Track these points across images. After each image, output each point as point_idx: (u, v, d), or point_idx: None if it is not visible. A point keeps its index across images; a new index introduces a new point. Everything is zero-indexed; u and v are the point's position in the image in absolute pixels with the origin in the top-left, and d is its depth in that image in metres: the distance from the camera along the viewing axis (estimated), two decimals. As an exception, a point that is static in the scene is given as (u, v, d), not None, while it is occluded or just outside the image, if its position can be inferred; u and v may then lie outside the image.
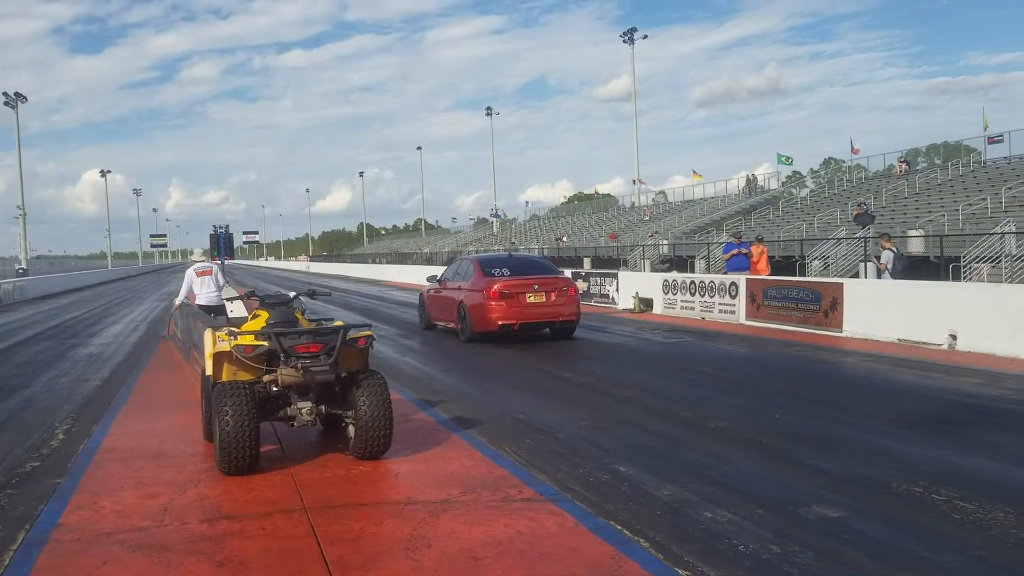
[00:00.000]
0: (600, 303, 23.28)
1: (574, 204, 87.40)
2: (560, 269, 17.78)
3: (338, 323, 7.40)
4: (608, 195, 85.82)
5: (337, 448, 7.20)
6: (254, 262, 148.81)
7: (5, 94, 60.48)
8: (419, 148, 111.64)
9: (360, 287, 39.30)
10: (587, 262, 41.81)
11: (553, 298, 14.78)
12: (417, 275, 41.28)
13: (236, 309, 18.18)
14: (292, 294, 7.86)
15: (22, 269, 60.94)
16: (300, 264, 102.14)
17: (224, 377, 6.99)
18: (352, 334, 6.83)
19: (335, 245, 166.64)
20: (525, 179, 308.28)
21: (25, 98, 61.92)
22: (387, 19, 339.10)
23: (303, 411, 6.67)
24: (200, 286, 14.39)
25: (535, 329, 15.22)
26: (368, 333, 6.97)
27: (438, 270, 24.47)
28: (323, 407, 6.77)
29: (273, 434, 7.42)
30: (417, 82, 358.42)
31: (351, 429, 6.85)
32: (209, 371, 7.10)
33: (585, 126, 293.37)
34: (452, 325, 15.87)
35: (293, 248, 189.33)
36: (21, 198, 64.78)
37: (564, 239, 58.89)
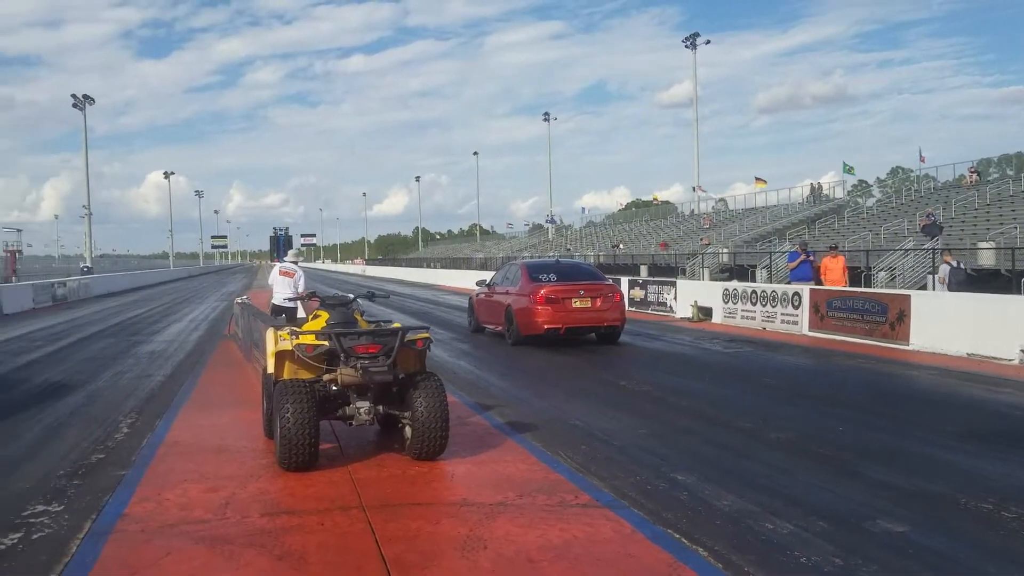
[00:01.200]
0: (657, 311, 23.07)
1: (631, 211, 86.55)
2: (606, 276, 17.75)
3: (396, 325, 7.45)
4: (667, 202, 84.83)
5: (393, 448, 7.23)
6: (311, 264, 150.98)
7: (74, 96, 62.20)
8: (475, 153, 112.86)
9: (415, 291, 39.59)
10: (644, 270, 41.51)
11: (599, 303, 15.02)
12: (470, 280, 41.38)
13: (301, 311, 18.51)
14: (352, 296, 7.94)
15: (87, 267, 62.68)
16: (356, 267, 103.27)
17: (285, 375, 7.08)
18: (410, 336, 6.87)
19: (391, 249, 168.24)
20: (582, 185, 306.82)
21: (93, 100, 63.51)
22: (448, 24, 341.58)
23: (361, 411, 6.73)
24: (279, 285, 14.57)
25: (580, 333, 15.45)
26: (426, 335, 7.01)
27: (488, 275, 24.60)
28: (381, 407, 6.82)
29: (331, 432, 7.48)
30: (475, 87, 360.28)
31: (408, 430, 6.89)
32: (271, 369, 7.20)
33: (645, 132, 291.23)
34: (500, 328, 16.21)
35: (349, 251, 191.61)
36: (87, 198, 66.57)
37: (621, 246, 58.54)
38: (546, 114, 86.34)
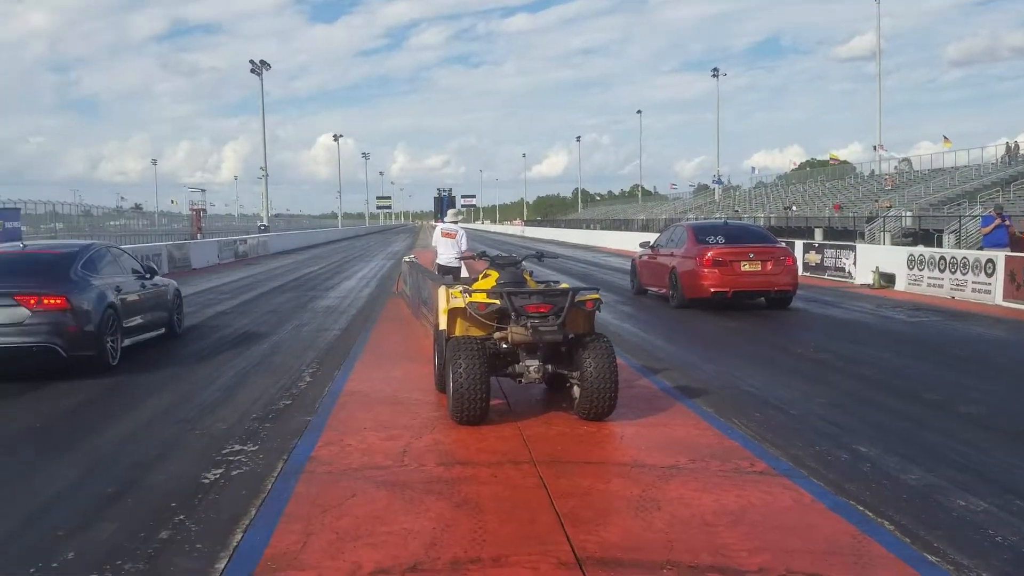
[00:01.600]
0: (834, 277, 22.06)
1: (805, 171, 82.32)
2: (778, 239, 17.03)
3: (564, 285, 7.46)
4: (845, 162, 79.77)
5: (561, 407, 7.28)
6: (470, 225, 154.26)
7: (252, 62, 65.12)
8: (639, 112, 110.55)
9: (575, 252, 39.63)
10: (818, 233, 39.68)
11: (769, 267, 14.56)
12: (632, 242, 41.01)
13: (464, 271, 18.91)
14: (521, 256, 8.00)
15: (263, 226, 66.51)
16: (515, 228, 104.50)
17: (457, 332, 7.24)
18: (580, 297, 6.85)
19: (549, 210, 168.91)
20: (751, 144, 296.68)
21: (269, 66, 66.23)
22: None
23: (531, 369, 6.79)
24: (442, 246, 14.93)
25: (749, 298, 15.04)
26: (596, 296, 6.97)
27: (651, 237, 24.20)
28: (549, 366, 6.87)
29: (499, 389, 7.61)
30: (640, 44, 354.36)
31: (576, 389, 6.90)
32: (443, 326, 7.39)
33: (820, 87, 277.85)
34: (663, 291, 15.93)
35: (508, 212, 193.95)
36: (264, 160, 70.10)
37: (794, 208, 56.17)
38: (715, 70, 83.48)
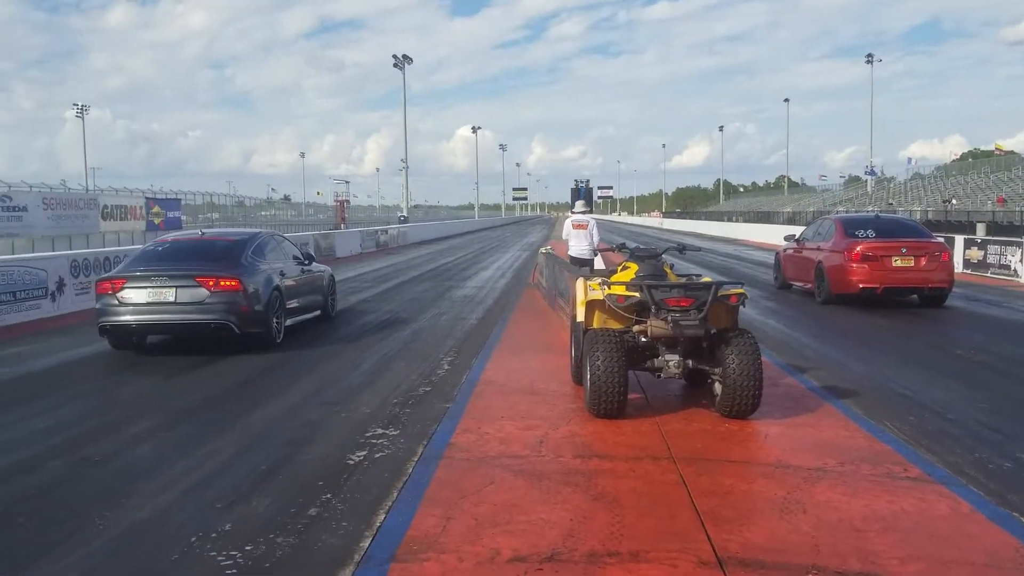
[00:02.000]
0: (998, 275, 20.65)
1: (967, 162, 76.87)
2: (934, 234, 16.07)
3: (706, 279, 7.28)
4: (1011, 152, 73.87)
5: (700, 403, 7.12)
6: (607, 216, 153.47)
7: (394, 56, 66.86)
8: (786, 100, 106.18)
9: (716, 245, 38.70)
10: (981, 228, 37.20)
11: (923, 263, 13.94)
12: (775, 235, 39.69)
13: (597, 262, 18.83)
14: (662, 249, 7.87)
15: (403, 217, 68.34)
16: (653, 220, 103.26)
17: (595, 324, 7.20)
18: (724, 291, 6.67)
19: (689, 202, 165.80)
20: (907, 133, 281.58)
21: (411, 60, 67.85)
22: None
23: (670, 364, 6.67)
24: (574, 238, 14.97)
25: (900, 295, 14.40)
26: (740, 291, 6.76)
27: (795, 230, 23.36)
28: (690, 361, 6.72)
29: (636, 383, 7.51)
30: (789, 29, 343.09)
31: (717, 386, 6.73)
32: (581, 318, 7.36)
33: (986, 73, 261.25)
34: (808, 286, 15.49)
35: (645, 204, 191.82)
36: (405, 152, 71.83)
37: (954, 201, 52.86)
38: (869, 55, 79.17)
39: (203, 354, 9.83)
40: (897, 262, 13.93)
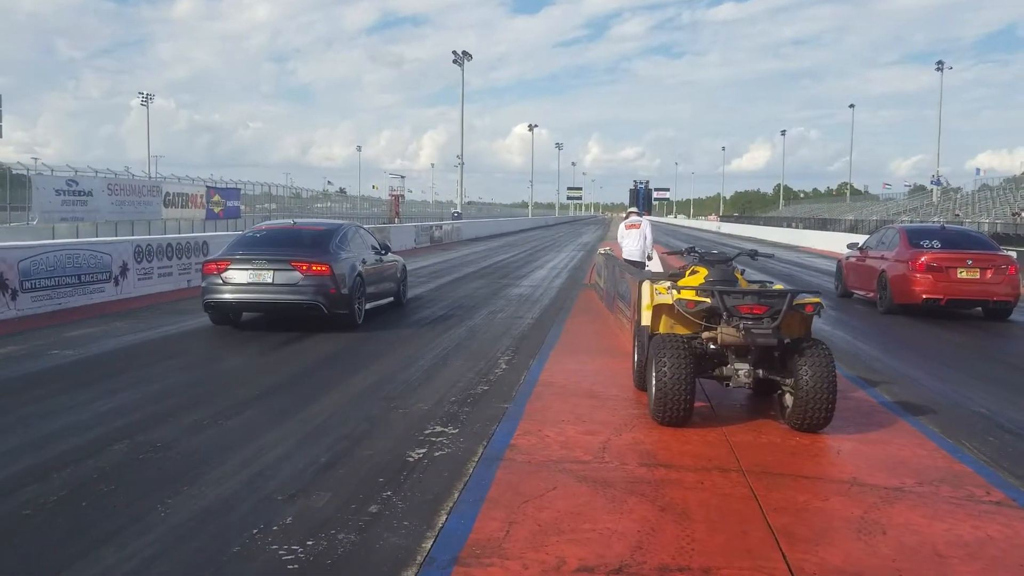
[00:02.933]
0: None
1: (1039, 174, 74.67)
2: (1001, 247, 15.62)
3: (778, 287, 7.05)
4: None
5: (768, 414, 6.90)
6: (663, 219, 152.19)
7: (454, 52, 66.42)
8: (852, 106, 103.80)
9: (776, 251, 37.84)
10: (1052, 242, 35.90)
11: (989, 275, 13.76)
12: (837, 243, 38.70)
13: (653, 264, 18.59)
14: (732, 254, 7.65)
15: (457, 213, 68.48)
16: (710, 224, 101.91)
17: (661, 329, 7.03)
18: (799, 300, 6.43)
19: (747, 206, 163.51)
20: (976, 143, 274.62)
21: (470, 56, 67.25)
22: None
23: (740, 373, 6.46)
24: (627, 240, 14.85)
25: (964, 307, 14.24)
26: (816, 300, 6.51)
27: (859, 238, 22.88)
28: (760, 371, 6.51)
29: (702, 392, 7.31)
30: (858, 34, 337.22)
31: (788, 398, 6.51)
32: (646, 322, 7.19)
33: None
34: (870, 295, 15.35)
35: (702, 207, 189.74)
36: (461, 148, 71.83)
37: (1021, 214, 51.20)
38: (939, 63, 77.11)
39: (257, 345, 9.95)
40: (962, 274, 13.75)
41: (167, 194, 43.09)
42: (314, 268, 10.96)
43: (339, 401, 7.32)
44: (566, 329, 12.02)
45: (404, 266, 14.67)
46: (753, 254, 8.35)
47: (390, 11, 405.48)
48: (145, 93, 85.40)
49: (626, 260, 14.50)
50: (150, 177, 43.55)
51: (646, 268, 16.94)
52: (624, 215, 16.79)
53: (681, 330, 6.90)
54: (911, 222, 46.63)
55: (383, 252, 13.33)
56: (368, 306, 12.23)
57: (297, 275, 10.92)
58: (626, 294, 11.24)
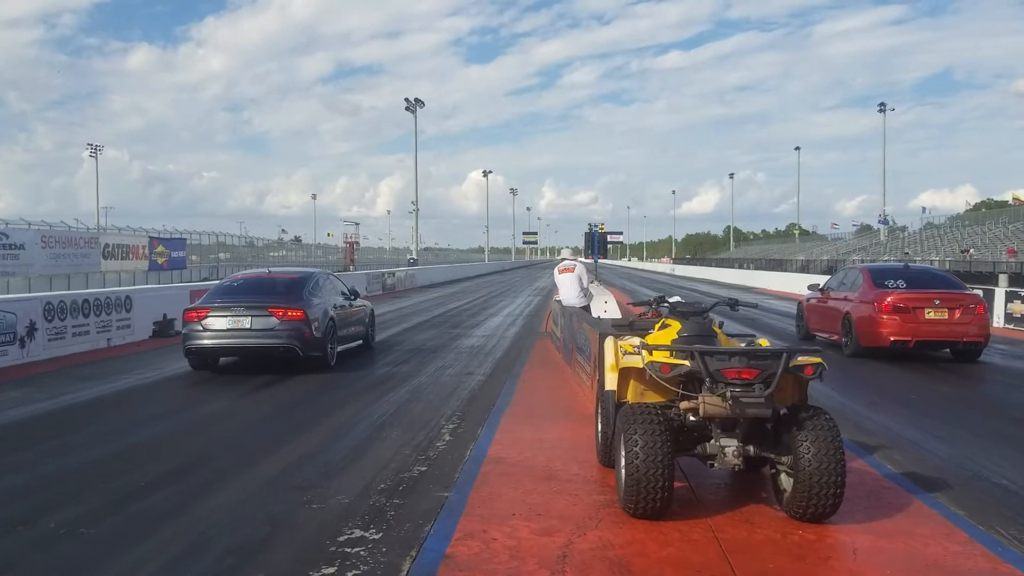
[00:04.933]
0: (1033, 329, 19.23)
1: (981, 212, 75.69)
2: (966, 285, 14.97)
3: (763, 342, 5.94)
4: (1027, 203, 72.29)
5: (760, 496, 5.75)
6: (617, 262, 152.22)
7: (406, 100, 66.61)
8: (797, 148, 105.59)
9: (731, 293, 37.23)
10: (1003, 279, 35.77)
11: (957, 315, 13.20)
12: (793, 283, 38.35)
13: (610, 309, 17.46)
14: (708, 304, 6.54)
15: (413, 259, 67.40)
16: (664, 266, 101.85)
17: (629, 396, 5.87)
18: (797, 360, 5.30)
19: (699, 248, 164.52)
20: (918, 184, 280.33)
21: (423, 103, 67.44)
22: (772, 15, 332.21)
23: (727, 451, 5.29)
24: (561, 285, 13.98)
25: (932, 348, 13.64)
26: (817, 360, 5.37)
27: (818, 278, 22.26)
28: (751, 447, 5.35)
29: (679, 468, 6.11)
30: (800, 79, 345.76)
31: (785, 479, 5.37)
32: (611, 386, 6.01)
33: (997, 124, 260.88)
34: (834, 337, 14.74)
35: (655, 249, 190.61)
36: (416, 195, 71.26)
37: (971, 251, 51.52)
38: (882, 104, 78.28)
39: (154, 425, 8.41)
40: (930, 314, 13.16)
41: (106, 246, 41.30)
42: (289, 313, 11.57)
43: (240, 493, 5.98)
44: (520, 387, 10.80)
45: (372, 310, 15.56)
46: (733, 304, 7.23)
47: (345, 61, 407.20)
48: (94, 145, 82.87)
49: (564, 308, 13.52)
50: (88, 229, 41.62)
51: (603, 313, 15.89)
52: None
53: (653, 397, 5.74)
54: (863, 261, 46.50)
55: (352, 297, 13.99)
56: (339, 348, 12.78)
57: (274, 320, 11.54)
58: (585, 347, 10.09)
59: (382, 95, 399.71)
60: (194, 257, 53.14)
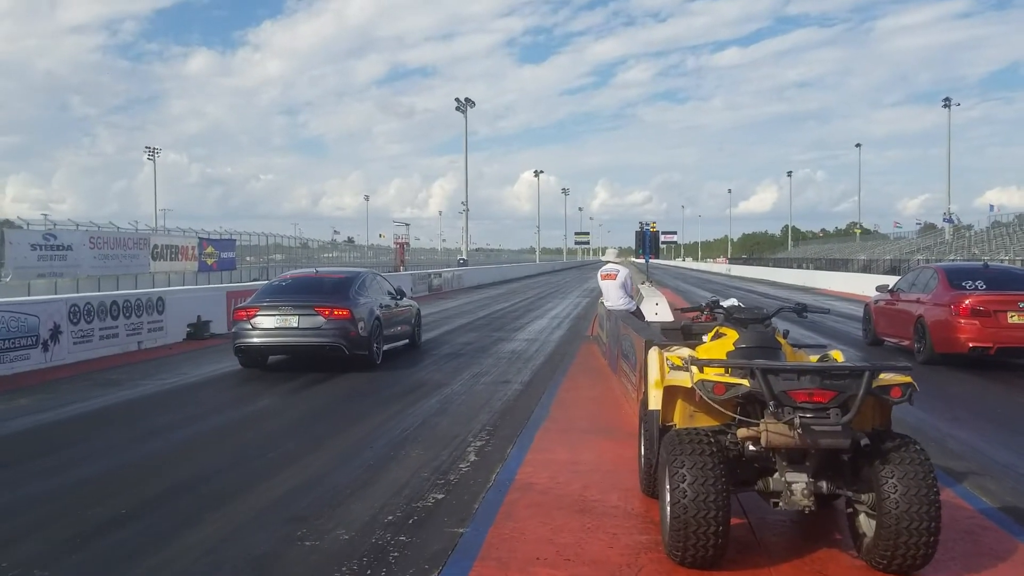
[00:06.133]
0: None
1: (1052, 209, 72.47)
2: None
3: (836, 355, 5.01)
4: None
5: (832, 538, 4.83)
6: (671, 262, 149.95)
7: (456, 100, 66.49)
8: (858, 145, 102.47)
9: (790, 293, 35.80)
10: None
11: None
12: (855, 283, 36.84)
13: (661, 312, 16.44)
14: (771, 309, 5.62)
15: (463, 260, 67.07)
16: (719, 266, 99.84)
17: (676, 419, 4.97)
18: (882, 380, 4.36)
19: (755, 248, 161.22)
20: (984, 181, 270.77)
21: (473, 103, 67.27)
22: (833, 10, 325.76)
23: (795, 488, 4.37)
24: (606, 290, 13.03)
25: (1016, 356, 12.50)
26: (906, 380, 4.43)
27: (883, 279, 20.98)
28: (824, 484, 4.42)
29: (736, 503, 5.20)
30: (861, 76, 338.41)
31: (863, 520, 4.45)
32: (655, 405, 5.12)
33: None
34: (905, 343, 13.77)
35: (710, 249, 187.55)
36: (465, 195, 71.14)
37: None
38: (947, 100, 74.83)
39: (150, 444, 7.74)
40: (1014, 318, 12.05)
41: (155, 247, 41.42)
42: (336, 312, 11.70)
43: (226, 526, 5.22)
44: (559, 397, 9.96)
45: (419, 310, 15.67)
46: (800, 309, 6.27)
47: (399, 63, 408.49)
48: (152, 147, 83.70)
49: (611, 314, 12.61)
50: (136, 230, 41.78)
51: (654, 316, 14.90)
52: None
53: (704, 420, 4.84)
54: (929, 261, 44.60)
55: (399, 297, 14.13)
56: (385, 347, 12.88)
57: (320, 319, 11.69)
58: (629, 353, 9.21)
59: (436, 97, 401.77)
60: (249, 258, 53.41)
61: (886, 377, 4.38)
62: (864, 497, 4.38)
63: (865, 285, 32.51)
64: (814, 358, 5.15)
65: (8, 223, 36.73)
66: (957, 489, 5.98)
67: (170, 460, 7.06)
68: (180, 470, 6.67)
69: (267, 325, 11.75)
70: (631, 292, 13.35)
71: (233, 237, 50.78)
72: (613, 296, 12.94)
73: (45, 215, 37.87)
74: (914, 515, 4.14)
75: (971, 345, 12.11)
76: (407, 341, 14.57)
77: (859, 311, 17.50)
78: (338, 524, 5.21)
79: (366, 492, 5.94)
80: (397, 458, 6.95)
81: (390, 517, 5.33)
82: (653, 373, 5.24)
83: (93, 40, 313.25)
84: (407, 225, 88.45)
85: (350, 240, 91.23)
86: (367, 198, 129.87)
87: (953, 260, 45.90)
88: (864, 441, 4.30)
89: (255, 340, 11.79)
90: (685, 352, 5.23)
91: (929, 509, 4.16)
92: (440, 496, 5.81)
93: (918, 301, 13.45)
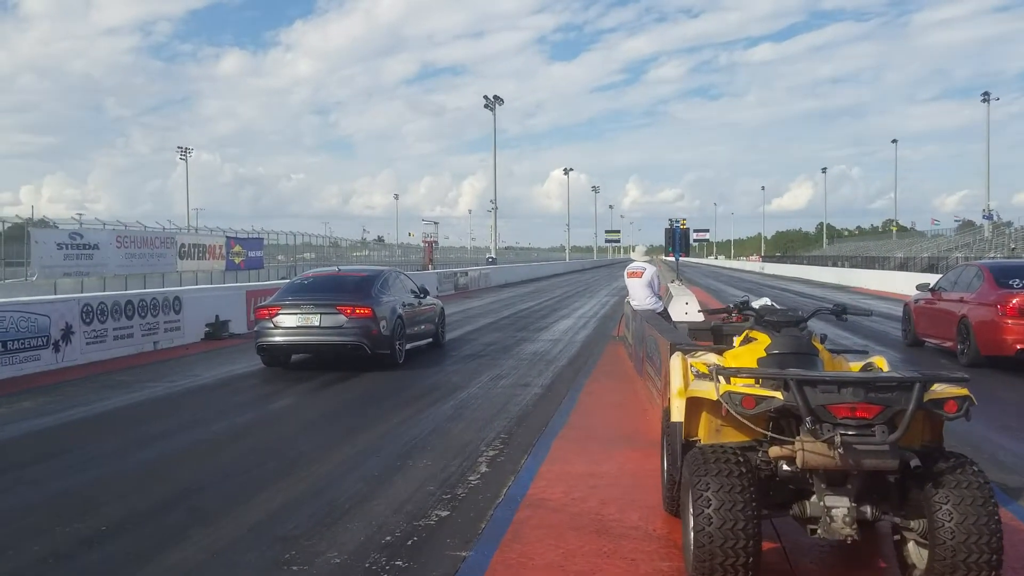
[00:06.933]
0: None
1: (1097, 206, 70.65)
2: None
3: (880, 363, 4.50)
4: None
5: (876, 567, 4.33)
6: (703, 260, 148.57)
7: (485, 97, 66.23)
8: (894, 141, 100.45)
9: (827, 293, 34.95)
10: None
11: None
12: (892, 282, 35.87)
13: (691, 311, 15.88)
14: (807, 311, 5.10)
15: (491, 258, 66.73)
16: (752, 264, 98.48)
17: (700, 433, 4.47)
18: (933, 393, 3.84)
19: (789, 246, 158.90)
20: (1022, 178, 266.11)
21: (502, 100, 67.01)
22: (868, 5, 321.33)
23: (835, 513, 3.85)
24: (632, 289, 12.53)
25: None
26: (962, 392, 3.89)
27: (922, 277, 20.23)
28: (868, 508, 3.90)
29: (769, 526, 4.68)
30: (897, 70, 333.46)
31: (913, 549, 3.94)
32: (677, 417, 4.62)
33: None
34: (947, 344, 13.22)
35: (743, 247, 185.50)
36: (494, 193, 70.83)
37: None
38: (985, 94, 72.94)
39: (140, 454, 7.34)
40: None
41: (183, 246, 41.38)
42: (358, 311, 11.58)
43: (207, 548, 4.77)
44: (581, 401, 9.48)
45: (442, 309, 15.31)
46: (840, 311, 5.73)
47: (429, 62, 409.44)
48: (184, 148, 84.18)
49: (637, 313, 12.11)
50: (163, 229, 41.82)
51: (683, 315, 14.32)
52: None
53: (732, 435, 4.34)
54: (968, 258, 43.48)
55: (422, 295, 13.91)
56: (408, 346, 12.72)
57: (342, 318, 11.59)
58: (655, 355, 8.72)
59: (465, 95, 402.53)
60: (280, 256, 53.43)
61: (939, 389, 3.85)
62: (914, 524, 3.87)
63: (902, 283, 31.60)
64: (855, 366, 4.64)
65: (43, 222, 36.92)
66: (1013, 508, 5.41)
67: (163, 470, 6.67)
68: (171, 481, 6.28)
69: (289, 324, 11.66)
70: (658, 291, 12.85)
71: (261, 236, 50.73)
72: (639, 295, 12.45)
73: (80, 215, 37.99)
74: (972, 547, 3.62)
75: (1019, 347, 11.53)
76: (431, 340, 14.34)
77: (896, 310, 16.84)
78: (330, 545, 4.77)
79: (365, 508, 5.50)
80: (403, 469, 6.52)
81: (388, 538, 4.89)
82: (676, 381, 4.75)
83: (127, 42, 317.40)
84: (436, 223, 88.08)
85: (380, 239, 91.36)
86: (397, 197, 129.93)
87: (994, 257, 44.60)
88: (914, 462, 3.79)
89: (277, 339, 11.71)
90: (712, 358, 4.74)
91: (990, 540, 3.64)
92: (444, 513, 5.35)
93: (961, 300, 12.88)
